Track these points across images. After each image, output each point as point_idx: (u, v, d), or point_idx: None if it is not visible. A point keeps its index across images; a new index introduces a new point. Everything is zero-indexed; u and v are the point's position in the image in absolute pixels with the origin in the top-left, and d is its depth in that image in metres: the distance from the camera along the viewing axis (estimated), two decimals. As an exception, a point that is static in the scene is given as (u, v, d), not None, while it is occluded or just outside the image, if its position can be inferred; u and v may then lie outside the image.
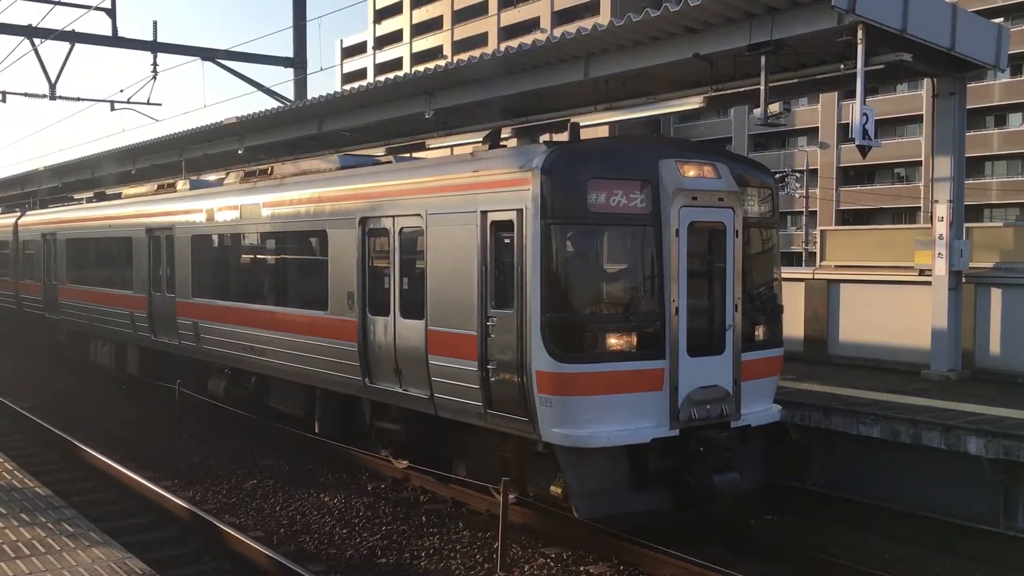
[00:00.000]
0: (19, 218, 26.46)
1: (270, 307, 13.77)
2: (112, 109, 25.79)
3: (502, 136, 14.54)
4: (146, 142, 24.26)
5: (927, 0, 10.87)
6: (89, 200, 24.47)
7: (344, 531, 10.34)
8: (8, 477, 9.56)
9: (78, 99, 26.34)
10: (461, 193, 9.99)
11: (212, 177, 19.36)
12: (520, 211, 9.07)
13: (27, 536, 7.53)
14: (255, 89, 24.23)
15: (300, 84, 24.80)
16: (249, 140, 20.90)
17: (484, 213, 9.56)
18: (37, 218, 25.11)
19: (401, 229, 10.91)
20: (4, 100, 26.10)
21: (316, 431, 13.17)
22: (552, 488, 9.07)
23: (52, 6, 21.38)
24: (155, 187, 19.10)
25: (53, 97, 23.64)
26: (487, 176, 9.70)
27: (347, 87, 16.79)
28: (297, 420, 13.79)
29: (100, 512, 10.77)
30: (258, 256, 14.64)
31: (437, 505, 11.31)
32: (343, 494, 11.73)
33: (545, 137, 14.57)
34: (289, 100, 23.28)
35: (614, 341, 9.00)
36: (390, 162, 12.86)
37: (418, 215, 10.54)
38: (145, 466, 13.04)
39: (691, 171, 9.30)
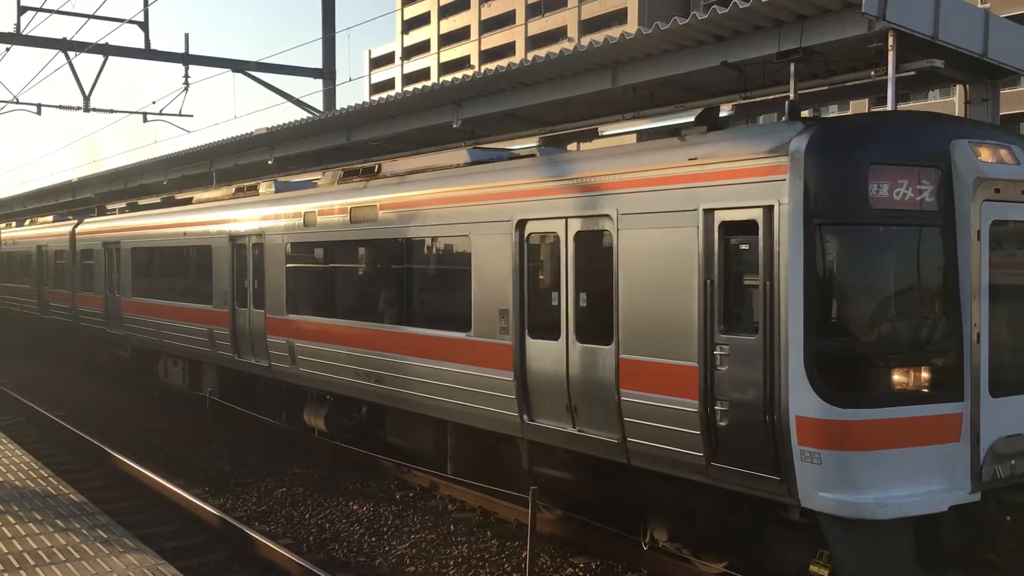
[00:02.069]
0: (76, 226, 24.53)
1: (390, 326, 11.79)
2: (145, 120, 26.11)
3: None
4: (177, 153, 24.52)
5: (959, 6, 10.77)
6: (156, 206, 22.92)
7: (373, 539, 10.37)
8: (43, 484, 9.69)
9: (111, 111, 26.56)
10: (671, 188, 8.12)
11: (297, 179, 18.06)
12: (768, 209, 7.23)
13: (62, 542, 7.63)
14: (285, 100, 24.42)
15: (329, 95, 24.96)
16: (279, 151, 21.04)
17: (709, 212, 7.72)
18: (97, 226, 23.23)
19: (577, 233, 9.01)
20: (39, 112, 26.48)
21: (448, 471, 11.15)
22: (813, 568, 7.27)
23: (86, 20, 21.71)
24: (233, 190, 17.40)
25: (87, 109, 23.95)
26: (712, 164, 7.84)
27: (375, 98, 16.92)
28: (422, 457, 11.82)
29: (133, 519, 10.88)
30: (373, 266, 12.75)
31: (465, 514, 11.32)
32: (372, 502, 11.77)
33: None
34: (318, 111, 23.45)
35: (900, 378, 7.14)
36: (533, 155, 10.81)
37: (604, 216, 8.68)
38: (177, 474, 13.16)
39: (988, 155, 7.43)
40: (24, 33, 21.30)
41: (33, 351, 28.93)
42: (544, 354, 9.32)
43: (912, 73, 10.90)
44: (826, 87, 11.97)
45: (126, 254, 20.76)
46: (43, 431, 16.95)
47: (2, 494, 9.24)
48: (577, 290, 9.00)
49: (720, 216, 7.66)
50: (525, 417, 9.59)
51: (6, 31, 21.30)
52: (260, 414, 15.19)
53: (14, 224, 32.88)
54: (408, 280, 11.73)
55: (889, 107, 10.57)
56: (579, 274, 8.99)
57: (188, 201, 20.61)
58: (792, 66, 11.01)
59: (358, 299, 12.97)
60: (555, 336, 9.18)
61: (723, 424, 7.55)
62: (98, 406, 19.33)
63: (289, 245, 14.12)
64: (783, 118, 8.28)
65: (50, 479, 9.94)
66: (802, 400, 6.95)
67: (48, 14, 21.53)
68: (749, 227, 7.42)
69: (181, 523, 11.02)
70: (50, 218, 28.45)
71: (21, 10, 21.37)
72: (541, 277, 9.61)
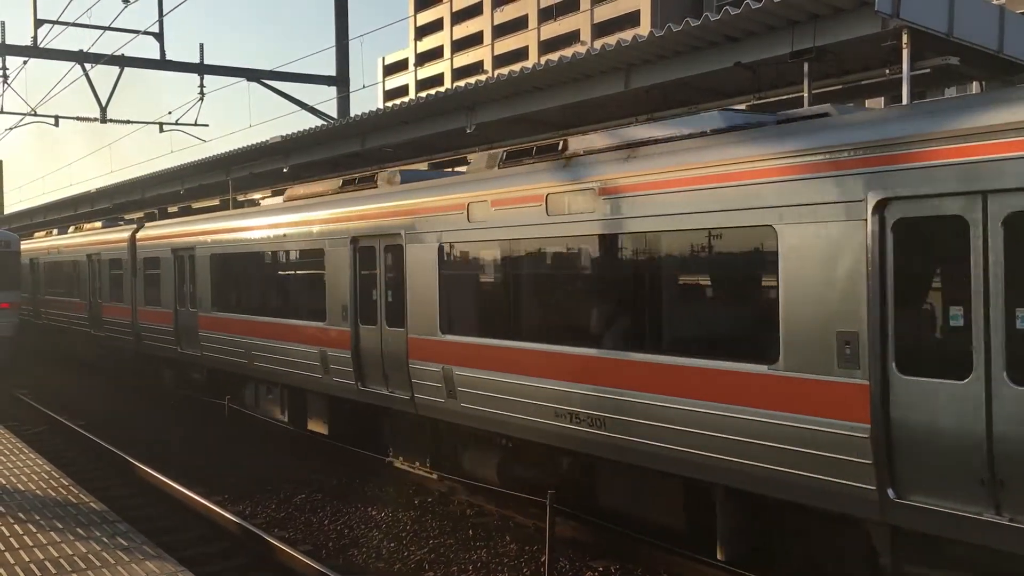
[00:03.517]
0: (136, 232, 21.75)
1: (621, 353, 8.80)
2: (161, 131, 26.32)
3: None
4: (193, 162, 24.69)
5: (973, 2, 10.71)
6: (236, 205, 20.99)
7: (392, 545, 10.38)
8: (64, 492, 9.75)
9: (128, 122, 26.80)
10: None
11: (423, 166, 15.58)
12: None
13: (83, 550, 7.68)
14: (299, 108, 24.56)
15: (343, 102, 25.09)
16: (294, 158, 21.17)
17: None
18: (164, 231, 20.23)
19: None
20: (57, 124, 26.76)
21: (719, 556, 8.33)
22: None
23: (102, 32, 21.90)
24: (339, 183, 14.38)
25: (104, 120, 24.16)
26: None
27: (389, 104, 16.90)
28: (664, 531, 9.21)
29: (153, 527, 10.94)
30: (588, 271, 9.45)
31: (484, 518, 11.31)
32: (390, 508, 11.78)
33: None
34: (332, 118, 23.57)
35: None
36: (826, 115, 7.71)
37: None
38: (196, 481, 13.22)
39: None
40: (41, 46, 21.49)
41: (84, 371, 26.37)
42: (936, 401, 6.31)
43: (927, 71, 10.85)
44: (840, 86, 11.94)
45: (203, 262, 17.91)
46: (64, 439, 17.07)
47: (24, 503, 9.32)
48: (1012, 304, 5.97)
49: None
50: (889, 492, 6.59)
51: (24, 44, 21.50)
52: (389, 455, 13.12)
53: (54, 232, 30.29)
54: (654, 290, 8.72)
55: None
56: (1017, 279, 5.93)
57: (253, 203, 19.04)
58: (806, 66, 11.00)
59: (560, 316, 9.74)
60: (960, 372, 6.20)
61: None
62: (118, 415, 19.44)
63: (444, 246, 11.20)
64: None
65: (71, 488, 10.00)
66: None
67: (64, 27, 21.76)
68: None
69: (201, 530, 11.06)
70: (98, 224, 25.75)
71: (38, 23, 21.59)
72: (917, 284, 6.66)
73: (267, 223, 15.66)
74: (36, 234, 32.83)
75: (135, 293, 21.62)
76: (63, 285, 27.68)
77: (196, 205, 26.28)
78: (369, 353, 12.65)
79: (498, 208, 10.32)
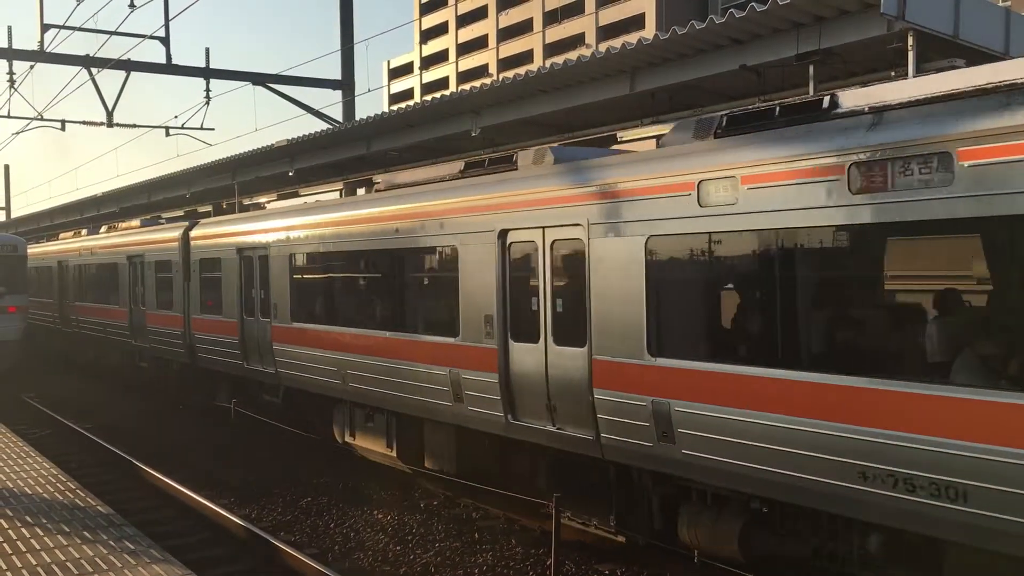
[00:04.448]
0: (189, 230, 19.18)
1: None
2: (167, 135, 26.40)
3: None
4: (200, 166, 24.76)
5: (979, 4, 10.70)
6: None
7: (398, 548, 10.39)
8: (71, 496, 9.78)
9: (134, 126, 26.92)
10: None
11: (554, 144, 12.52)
12: None
13: (89, 554, 7.70)
14: (304, 112, 24.61)
15: (348, 106, 25.13)
16: (299, 162, 21.22)
17: None
18: (226, 228, 17.59)
19: None
20: (63, 128, 26.84)
21: None
22: None
23: (108, 36, 21.98)
24: (460, 166, 11.80)
25: (111, 124, 24.22)
26: None
27: (394, 107, 16.92)
28: None
29: (160, 530, 10.95)
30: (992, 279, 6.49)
31: (489, 522, 11.31)
32: (396, 511, 11.79)
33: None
34: (338, 122, 23.62)
35: None
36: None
37: None
38: (203, 485, 13.24)
39: None
40: (47, 51, 21.58)
41: (125, 389, 23.81)
42: None
43: (933, 73, 10.83)
44: (846, 88, 11.92)
45: (280, 264, 15.12)
46: (70, 444, 17.11)
47: (31, 506, 9.34)
48: None
49: None
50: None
51: (30, 49, 21.59)
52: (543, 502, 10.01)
53: (83, 232, 27.93)
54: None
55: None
56: None
57: (367, 184, 16.51)
58: (811, 68, 10.99)
59: (883, 335, 7.23)
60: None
61: None
62: (125, 419, 19.48)
63: (655, 239, 8.44)
64: None
65: (77, 491, 10.03)
66: None
67: (71, 31, 21.83)
68: None
69: (207, 533, 11.07)
70: (136, 223, 23.45)
71: (44, 28, 21.67)
72: None
73: (370, 216, 12.74)
74: (62, 235, 30.76)
75: (188, 299, 18.94)
76: (98, 290, 24.98)
77: (257, 200, 23.43)
78: (525, 378, 9.95)
79: (755, 186, 7.63)
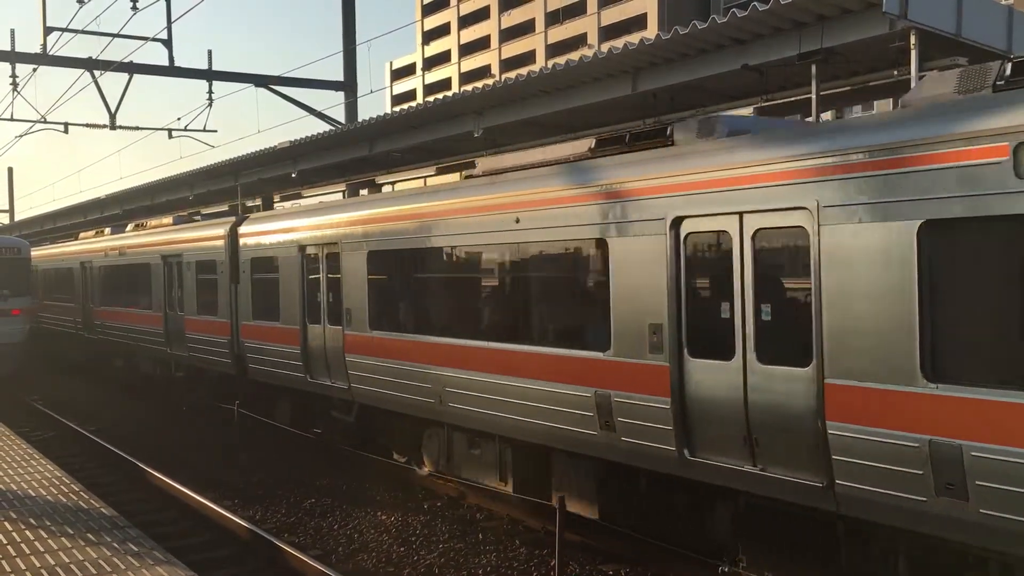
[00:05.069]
0: (236, 226, 17.24)
1: None
2: (170, 137, 26.44)
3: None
4: (205, 168, 24.80)
5: (982, 3, 10.69)
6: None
7: (402, 549, 10.38)
8: (74, 498, 9.79)
9: (137, 128, 26.95)
10: None
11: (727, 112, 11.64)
12: None
13: (93, 555, 7.70)
14: (307, 113, 24.65)
15: (351, 107, 25.16)
16: (302, 163, 21.24)
17: None
18: (284, 223, 15.46)
19: None
20: (66, 131, 26.89)
21: None
22: None
23: (111, 39, 22.01)
24: (590, 144, 10.00)
25: (114, 127, 24.27)
26: None
27: (396, 109, 16.92)
28: None
29: (163, 531, 10.96)
30: None
31: (493, 523, 11.30)
32: (400, 512, 11.79)
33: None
34: (340, 123, 23.64)
35: None
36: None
37: None
38: (206, 486, 13.25)
39: None
40: (50, 53, 21.61)
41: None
42: None
43: (935, 72, 10.81)
44: (848, 88, 11.92)
45: (355, 262, 13.11)
46: (74, 446, 17.13)
47: (34, 508, 9.35)
48: None
49: None
50: None
51: (33, 52, 21.64)
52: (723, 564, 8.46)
53: (106, 232, 26.21)
54: None
55: (913, 106, 10.44)
56: None
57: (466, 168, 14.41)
58: (813, 67, 10.98)
59: None
60: None
61: None
62: (128, 421, 19.50)
63: (934, 226, 6.39)
64: None
65: (80, 493, 10.03)
66: None
67: (74, 34, 21.87)
68: None
69: (211, 535, 11.08)
70: (168, 220, 21.77)
71: (47, 31, 21.71)
72: None
73: (479, 204, 10.72)
74: (82, 235, 29.03)
75: (236, 303, 17.05)
76: (127, 293, 22.91)
77: (313, 192, 21.28)
78: (710, 404, 7.95)
79: None
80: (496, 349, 10.33)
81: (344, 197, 19.37)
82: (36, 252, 31.11)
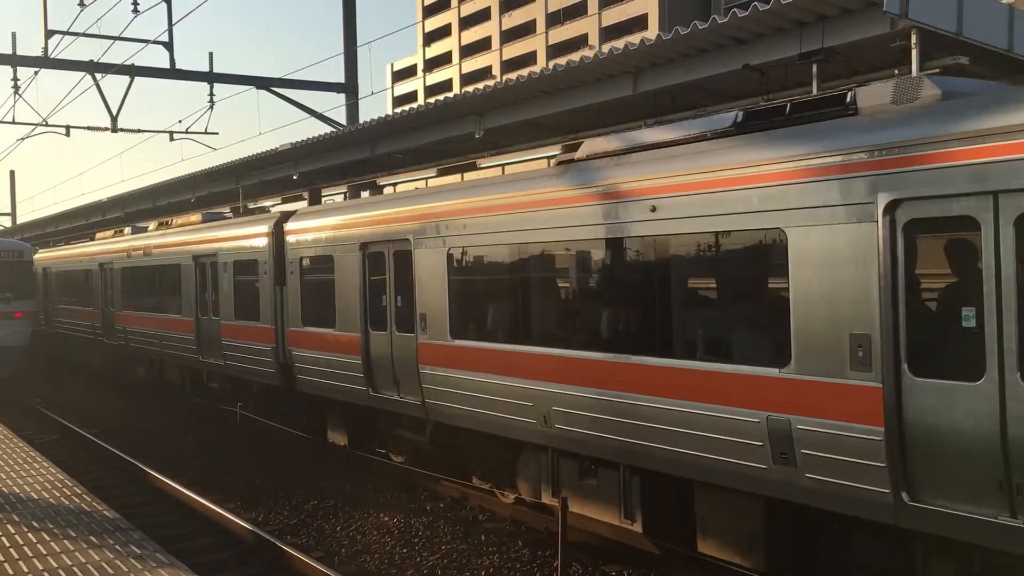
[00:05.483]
0: (282, 222, 15.72)
1: None
2: (171, 139, 26.44)
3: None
4: (206, 170, 24.82)
5: (983, 2, 10.69)
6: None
7: (404, 550, 10.38)
8: (77, 501, 9.79)
9: (139, 131, 26.85)
10: None
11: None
12: None
13: (96, 558, 7.70)
14: (308, 115, 24.65)
15: (352, 109, 25.16)
16: (303, 165, 21.25)
17: None
18: (339, 217, 13.85)
19: None
20: (68, 134, 26.89)
21: None
22: None
23: (112, 42, 22.03)
24: (736, 116, 8.66)
25: (115, 130, 24.27)
26: None
27: (398, 110, 16.90)
28: None
29: (166, 534, 10.96)
30: None
31: (496, 524, 11.30)
32: (402, 514, 11.78)
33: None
34: (341, 125, 23.65)
35: None
36: None
37: None
38: (209, 489, 13.25)
39: None
40: (52, 56, 21.64)
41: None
42: None
43: (937, 71, 10.81)
44: (849, 87, 11.91)
45: (434, 261, 11.51)
46: (77, 448, 17.14)
47: (37, 511, 9.36)
48: None
49: None
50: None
51: (34, 55, 21.65)
52: None
53: (126, 231, 24.75)
54: None
55: (915, 105, 10.42)
56: None
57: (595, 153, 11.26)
58: (814, 67, 10.98)
59: None
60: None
61: None
62: (130, 423, 19.50)
63: None
64: None
65: (83, 496, 10.04)
66: None
67: (75, 37, 21.89)
68: None
69: (214, 537, 11.08)
70: (196, 218, 20.37)
71: (49, 34, 21.73)
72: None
73: (597, 191, 9.13)
74: (100, 235, 27.54)
75: (282, 308, 15.49)
76: (153, 296, 21.21)
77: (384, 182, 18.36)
78: (945, 436, 6.30)
79: None
80: (625, 363, 8.72)
81: (417, 188, 16.14)
82: (47, 254, 31.02)
